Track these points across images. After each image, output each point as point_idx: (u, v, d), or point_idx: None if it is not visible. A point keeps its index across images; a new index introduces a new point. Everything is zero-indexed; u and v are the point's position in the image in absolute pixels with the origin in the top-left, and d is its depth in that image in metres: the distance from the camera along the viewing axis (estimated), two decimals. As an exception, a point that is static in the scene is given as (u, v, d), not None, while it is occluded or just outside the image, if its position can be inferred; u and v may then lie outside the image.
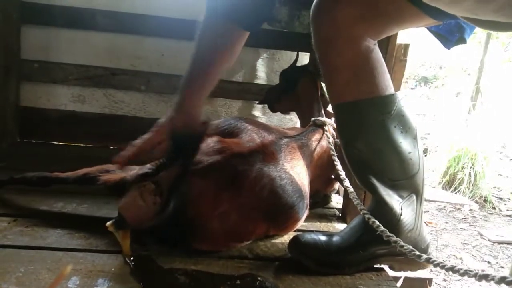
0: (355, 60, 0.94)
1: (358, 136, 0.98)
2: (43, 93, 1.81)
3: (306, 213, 1.17)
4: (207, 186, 0.99)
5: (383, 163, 0.97)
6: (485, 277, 0.68)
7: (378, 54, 0.97)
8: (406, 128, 0.98)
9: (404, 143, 0.97)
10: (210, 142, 1.10)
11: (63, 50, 1.79)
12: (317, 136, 1.32)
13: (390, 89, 0.97)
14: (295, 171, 1.14)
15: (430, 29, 0.98)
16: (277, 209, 1.06)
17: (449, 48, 0.95)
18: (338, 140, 1.12)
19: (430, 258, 0.82)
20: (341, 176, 1.11)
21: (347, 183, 1.08)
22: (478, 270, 0.71)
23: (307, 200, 1.16)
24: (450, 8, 0.74)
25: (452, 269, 0.73)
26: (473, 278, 0.71)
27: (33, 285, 0.81)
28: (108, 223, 0.92)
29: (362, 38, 0.93)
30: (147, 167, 1.00)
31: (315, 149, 1.28)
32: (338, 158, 1.16)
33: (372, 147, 0.97)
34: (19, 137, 1.78)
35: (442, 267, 0.77)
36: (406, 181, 0.98)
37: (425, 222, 1.07)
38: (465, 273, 0.71)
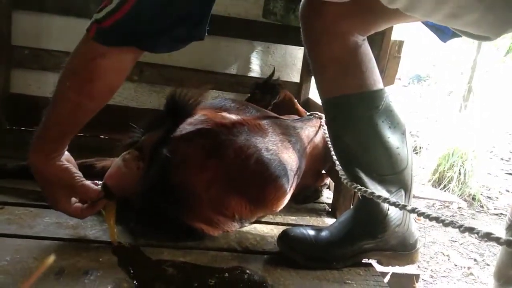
0: (343, 55, 0.95)
1: (346, 131, 0.98)
2: (34, 80, 1.78)
3: (291, 190, 1.17)
4: (192, 152, 0.99)
5: (371, 158, 0.98)
6: (470, 230, 0.67)
7: (366, 49, 0.97)
8: (395, 123, 0.98)
9: (392, 138, 0.98)
10: (196, 115, 1.09)
11: (54, 37, 1.76)
12: (313, 123, 1.33)
13: (379, 84, 0.98)
14: (284, 146, 1.14)
15: (425, 23, 0.98)
16: (264, 179, 1.06)
17: (445, 42, 0.96)
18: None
19: (416, 208, 0.80)
20: (335, 160, 1.10)
21: (338, 167, 1.07)
22: (463, 222, 0.69)
23: (293, 176, 1.16)
24: (408, 12, 0.76)
25: (437, 219, 0.72)
26: (458, 230, 0.69)
27: (19, 274, 0.80)
28: None
29: (350, 33, 0.94)
30: (132, 136, 0.98)
31: (310, 135, 1.29)
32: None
33: (360, 142, 0.97)
34: (8, 124, 1.76)
35: (427, 216, 0.75)
36: (394, 176, 0.99)
37: (413, 219, 1.07)
38: (450, 223, 0.70)
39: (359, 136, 0.97)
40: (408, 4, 0.76)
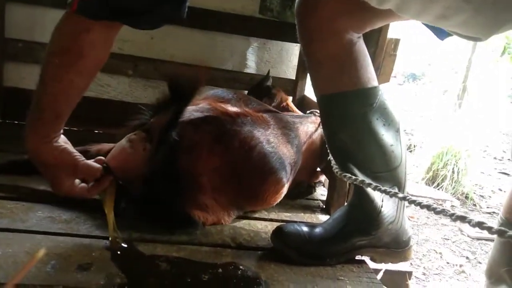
0: (338, 53, 0.95)
1: (341, 128, 0.98)
2: (27, 74, 1.77)
3: (288, 184, 1.17)
4: (200, 138, 0.99)
5: (365, 155, 0.98)
6: (461, 218, 0.67)
7: (361, 47, 0.97)
8: (389, 121, 0.99)
9: (387, 136, 0.98)
10: (201, 103, 1.10)
11: (48, 30, 1.72)
12: (313, 119, 1.34)
13: (373, 82, 0.98)
14: (285, 139, 1.14)
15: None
16: (265, 170, 1.07)
17: (442, 39, 0.96)
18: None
19: (407, 196, 0.81)
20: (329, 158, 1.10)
21: (330, 156, 1.08)
22: (454, 211, 0.69)
23: (291, 171, 1.16)
24: (399, 12, 0.77)
25: (428, 207, 0.72)
26: (449, 218, 0.69)
27: (11, 268, 0.79)
28: None
29: (345, 31, 0.94)
30: (139, 118, 0.97)
31: (309, 131, 1.30)
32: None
33: (355, 139, 0.98)
34: (1, 117, 1.74)
35: (418, 204, 0.76)
36: (388, 173, 0.99)
37: (407, 217, 1.08)
38: (441, 211, 0.70)
39: (354, 133, 0.98)
40: (398, 6, 0.76)
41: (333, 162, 1.03)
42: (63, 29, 0.83)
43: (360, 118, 0.97)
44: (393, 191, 0.84)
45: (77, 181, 0.90)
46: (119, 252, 0.89)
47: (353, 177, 0.92)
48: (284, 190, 1.16)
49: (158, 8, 0.82)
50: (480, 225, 0.63)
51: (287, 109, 1.64)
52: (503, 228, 0.62)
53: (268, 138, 1.09)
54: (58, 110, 0.85)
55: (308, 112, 1.46)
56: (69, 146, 0.88)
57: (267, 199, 1.13)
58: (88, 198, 0.95)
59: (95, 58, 0.85)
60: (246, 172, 1.05)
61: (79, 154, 0.88)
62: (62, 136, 0.88)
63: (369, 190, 0.97)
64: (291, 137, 1.19)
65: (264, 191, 1.10)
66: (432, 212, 0.70)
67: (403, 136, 1.03)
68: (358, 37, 0.96)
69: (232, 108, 1.12)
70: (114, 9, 0.79)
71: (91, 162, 0.88)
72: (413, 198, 0.78)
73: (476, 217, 0.73)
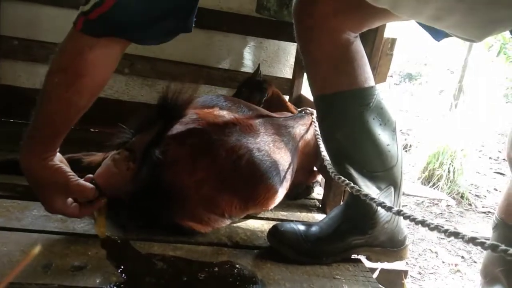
0: (335, 52, 0.95)
1: (338, 128, 0.99)
2: (23, 72, 1.76)
3: (284, 189, 1.17)
4: (184, 152, 0.98)
5: (362, 155, 0.98)
6: (455, 234, 0.67)
7: (358, 46, 0.97)
8: (385, 120, 0.99)
9: (383, 135, 0.98)
10: (187, 113, 1.08)
11: (45, 27, 1.73)
12: (305, 121, 1.33)
13: (370, 82, 0.98)
14: (276, 146, 1.14)
15: (419, 22, 0.98)
16: (254, 179, 1.06)
17: (438, 40, 0.96)
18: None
19: (401, 211, 0.81)
20: (323, 155, 1.10)
21: (326, 157, 1.08)
22: (449, 227, 0.69)
23: (285, 176, 1.16)
24: (394, 11, 0.77)
25: (423, 223, 0.73)
26: (443, 234, 0.69)
27: (7, 266, 0.79)
28: None
29: (342, 31, 0.94)
30: (122, 137, 0.96)
31: (301, 133, 1.29)
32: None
33: (351, 139, 0.98)
34: (-4, 116, 1.74)
35: (412, 220, 0.76)
36: (384, 173, 1.00)
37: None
38: (435, 228, 0.70)
39: (350, 133, 0.98)
40: (392, 5, 0.76)
41: (329, 165, 1.03)
42: (65, 48, 0.81)
43: (357, 118, 0.97)
44: (388, 205, 0.84)
45: (70, 200, 0.88)
46: (114, 250, 0.89)
47: (351, 183, 0.92)
48: (278, 195, 1.15)
49: (163, 22, 0.80)
50: (473, 240, 0.64)
51: (279, 102, 1.63)
52: (495, 243, 0.62)
53: (258, 146, 1.08)
54: (55, 130, 0.84)
55: (299, 110, 1.45)
56: (63, 165, 0.86)
57: (260, 205, 1.12)
58: (79, 218, 0.94)
59: (96, 77, 0.82)
60: (235, 182, 1.04)
61: (72, 173, 0.86)
62: (58, 154, 0.87)
63: (365, 189, 0.97)
64: (284, 142, 1.18)
65: (255, 199, 1.09)
66: (427, 228, 0.71)
67: (400, 136, 1.03)
68: (355, 36, 0.97)
69: (221, 117, 1.11)
70: (118, 25, 0.78)
71: (83, 182, 0.86)
72: (408, 213, 0.78)
73: (469, 233, 0.74)
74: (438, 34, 0.94)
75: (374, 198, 0.87)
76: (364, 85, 0.97)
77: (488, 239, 0.72)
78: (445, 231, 0.69)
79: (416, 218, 0.75)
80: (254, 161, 1.05)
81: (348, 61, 0.96)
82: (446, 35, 0.99)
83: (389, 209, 0.83)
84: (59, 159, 0.86)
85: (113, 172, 0.90)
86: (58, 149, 0.87)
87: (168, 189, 0.96)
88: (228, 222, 1.10)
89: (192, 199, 0.99)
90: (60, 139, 0.85)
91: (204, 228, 1.04)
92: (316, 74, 1.01)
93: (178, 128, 1.01)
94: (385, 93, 1.00)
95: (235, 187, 1.04)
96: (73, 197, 0.89)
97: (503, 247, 0.61)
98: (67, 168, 0.86)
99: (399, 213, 0.81)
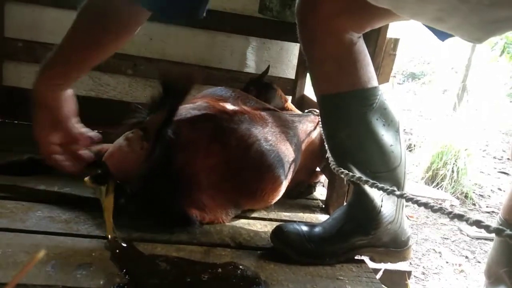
0: (338, 53, 0.95)
1: (341, 128, 0.99)
2: (27, 73, 1.77)
3: (287, 182, 1.17)
4: (197, 136, 0.99)
5: (365, 155, 0.98)
6: (459, 216, 0.67)
7: (361, 46, 0.97)
8: (388, 121, 0.99)
9: (386, 136, 0.98)
10: (198, 101, 1.09)
11: (48, 29, 1.74)
12: (312, 119, 1.34)
13: (373, 82, 0.98)
14: (283, 137, 1.15)
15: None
16: (262, 168, 1.07)
17: (443, 40, 0.96)
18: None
19: (404, 193, 0.81)
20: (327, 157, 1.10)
21: (329, 154, 1.07)
22: (452, 209, 0.69)
23: (289, 169, 1.16)
24: (396, 12, 0.77)
25: (426, 205, 0.72)
26: (446, 216, 0.69)
27: (11, 267, 0.79)
28: (86, 178, 0.89)
29: (345, 31, 0.94)
30: (137, 116, 0.97)
31: (308, 130, 1.29)
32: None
33: (354, 139, 0.98)
34: (0, 117, 1.74)
35: (415, 202, 0.76)
36: (388, 173, 0.99)
37: (406, 216, 1.08)
38: (439, 209, 0.70)
39: (353, 133, 0.98)
40: (393, 5, 0.76)
41: (330, 158, 1.03)
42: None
43: (360, 118, 0.97)
44: (390, 188, 0.84)
45: (58, 148, 0.92)
46: (117, 251, 0.89)
47: (350, 173, 0.92)
48: (282, 188, 1.16)
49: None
50: (478, 223, 0.63)
51: (286, 109, 1.63)
52: (500, 227, 0.62)
53: (266, 136, 1.09)
54: (67, 57, 0.89)
55: (306, 111, 1.46)
56: (73, 102, 0.93)
57: (264, 197, 1.13)
58: (49, 164, 0.96)
59: (128, 31, 0.90)
60: (243, 170, 1.05)
61: (75, 115, 0.93)
62: (71, 92, 0.93)
63: (368, 189, 0.97)
64: (289, 135, 1.19)
65: (261, 189, 1.10)
66: (430, 210, 0.70)
67: (403, 136, 1.03)
68: (358, 37, 0.96)
69: (230, 106, 1.12)
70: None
71: (82, 126, 0.92)
72: (411, 196, 0.78)
73: (474, 215, 0.73)
74: (442, 34, 0.94)
75: (375, 183, 0.87)
76: (367, 86, 0.97)
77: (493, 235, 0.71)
78: (449, 213, 0.68)
79: (419, 200, 0.75)
80: (262, 151, 1.06)
81: (351, 61, 0.96)
82: (451, 35, 0.98)
83: (391, 191, 0.83)
84: (70, 93, 0.93)
85: (125, 152, 0.90)
86: (70, 85, 0.93)
87: (179, 171, 0.96)
88: (233, 213, 1.10)
89: (201, 184, 0.99)
90: (74, 71, 0.92)
91: (208, 217, 1.04)
92: (319, 74, 1.01)
93: (191, 112, 1.02)
94: (388, 93, 1.00)
95: (243, 175, 1.05)
96: (63, 135, 0.93)
97: (508, 231, 0.60)
98: (73, 105, 0.93)
99: (402, 196, 0.81)
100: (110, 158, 0.89)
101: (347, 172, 0.93)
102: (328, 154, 1.05)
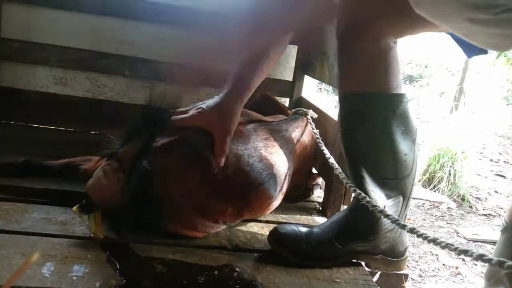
0: (374, 54, 0.96)
1: (360, 128, 0.98)
2: (23, 74, 1.76)
3: (281, 194, 1.16)
4: (171, 162, 0.98)
5: (378, 159, 0.98)
6: (464, 252, 0.69)
7: (395, 53, 0.98)
8: (408, 130, 0.99)
9: (403, 144, 0.98)
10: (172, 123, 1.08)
11: (45, 30, 1.73)
12: (299, 123, 1.32)
13: (400, 89, 0.98)
14: (268, 151, 1.13)
15: (453, 37, 0.99)
16: (245, 186, 1.05)
17: (469, 57, 0.98)
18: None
19: (414, 229, 0.81)
20: (327, 156, 1.10)
21: (332, 160, 1.08)
22: (458, 245, 0.72)
23: (281, 181, 1.15)
24: (432, 21, 0.77)
25: (434, 241, 0.73)
26: (453, 252, 0.72)
27: (6, 269, 0.79)
28: (75, 207, 0.90)
29: (384, 35, 0.95)
30: (110, 147, 0.97)
31: (296, 136, 1.28)
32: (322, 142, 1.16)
33: (370, 141, 0.98)
34: (-4, 118, 1.73)
35: (425, 238, 0.77)
36: (396, 181, 0.99)
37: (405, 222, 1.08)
38: (446, 246, 0.72)
39: (371, 135, 0.98)
40: (430, 14, 0.76)
41: (342, 175, 1.02)
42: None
43: (381, 122, 0.97)
44: (402, 222, 0.85)
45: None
46: (114, 253, 0.89)
47: (367, 198, 0.91)
48: (273, 201, 1.14)
49: None
50: (481, 257, 0.66)
51: (269, 104, 1.56)
52: (502, 259, 0.63)
53: (249, 153, 1.07)
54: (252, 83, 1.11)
55: (293, 111, 1.42)
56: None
57: (254, 211, 1.12)
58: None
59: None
60: (227, 189, 1.03)
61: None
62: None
63: (371, 193, 0.97)
64: (277, 146, 1.17)
65: (248, 206, 1.08)
66: (438, 246, 0.73)
67: (417, 147, 1.03)
68: (394, 42, 0.97)
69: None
70: None
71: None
72: (421, 231, 0.79)
73: (478, 250, 0.76)
74: (470, 51, 0.95)
75: (383, 210, 0.87)
76: (394, 91, 0.97)
77: (495, 243, 0.72)
78: (455, 249, 0.71)
79: (428, 237, 0.77)
80: (244, 169, 1.04)
81: (385, 65, 0.97)
82: (480, 53, 0.99)
83: (402, 226, 0.84)
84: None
85: (103, 184, 0.90)
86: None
87: (158, 200, 0.95)
88: (224, 227, 1.09)
89: (183, 208, 0.98)
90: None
91: (199, 234, 1.04)
92: (350, 72, 1.01)
93: (163, 137, 1.01)
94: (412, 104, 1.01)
95: (227, 194, 1.03)
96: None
97: (509, 262, 0.62)
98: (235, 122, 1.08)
99: (412, 231, 0.82)
100: (92, 190, 0.90)
101: (364, 195, 0.92)
102: (336, 167, 1.04)
